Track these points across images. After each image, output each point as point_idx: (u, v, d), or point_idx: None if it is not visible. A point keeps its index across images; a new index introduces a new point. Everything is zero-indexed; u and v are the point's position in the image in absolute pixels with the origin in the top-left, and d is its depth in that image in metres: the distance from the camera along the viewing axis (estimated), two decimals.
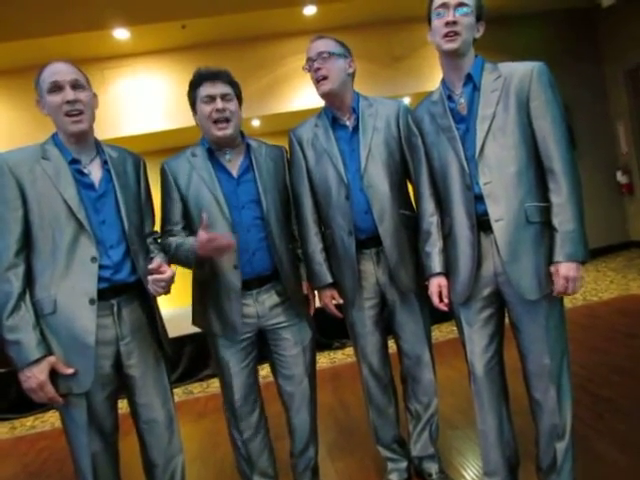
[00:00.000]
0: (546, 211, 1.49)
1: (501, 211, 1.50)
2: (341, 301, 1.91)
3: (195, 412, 3.39)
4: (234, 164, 1.81)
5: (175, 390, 3.96)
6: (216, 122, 1.74)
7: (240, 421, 1.85)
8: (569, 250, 1.45)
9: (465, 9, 1.50)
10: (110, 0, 3.93)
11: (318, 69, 1.80)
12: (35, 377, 1.40)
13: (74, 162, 1.54)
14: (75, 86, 1.51)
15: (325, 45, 1.82)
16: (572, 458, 1.61)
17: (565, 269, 1.45)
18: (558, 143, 1.48)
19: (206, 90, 1.75)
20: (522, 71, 1.51)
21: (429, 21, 1.59)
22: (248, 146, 1.84)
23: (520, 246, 1.50)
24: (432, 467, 1.98)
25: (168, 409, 1.64)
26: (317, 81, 1.83)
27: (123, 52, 4.97)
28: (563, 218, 1.45)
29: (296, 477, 1.99)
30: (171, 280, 1.51)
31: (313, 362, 1.93)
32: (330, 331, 4.31)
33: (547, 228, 1.50)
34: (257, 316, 1.80)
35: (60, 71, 1.51)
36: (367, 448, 2.31)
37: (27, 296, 1.44)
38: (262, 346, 1.92)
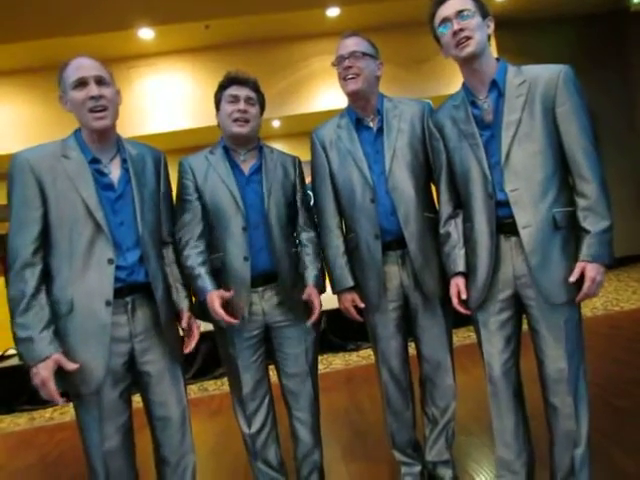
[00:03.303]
0: (572, 215, 1.49)
1: (528, 218, 1.49)
2: (362, 305, 1.88)
3: (210, 409, 3.42)
4: (246, 164, 1.86)
5: (190, 387, 4.01)
6: (236, 121, 1.80)
7: (248, 416, 1.88)
8: (597, 251, 1.45)
9: (466, 14, 1.49)
10: (135, 0, 3.99)
11: (349, 67, 1.78)
12: (39, 374, 1.39)
13: (94, 161, 1.53)
14: (99, 82, 1.49)
15: (358, 44, 1.80)
16: (589, 466, 1.59)
17: (593, 270, 1.45)
18: (586, 149, 1.47)
19: (232, 91, 1.82)
20: (548, 75, 1.49)
21: (437, 40, 1.59)
22: (261, 149, 1.90)
23: (548, 252, 1.49)
24: (446, 473, 1.96)
25: (182, 408, 1.64)
26: (345, 79, 1.80)
27: (148, 52, 5.05)
28: (592, 221, 1.45)
29: None
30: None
31: (315, 363, 1.94)
32: (345, 333, 4.30)
33: (573, 232, 1.49)
34: (263, 313, 1.83)
35: (84, 66, 1.49)
36: (381, 451, 2.30)
37: (42, 295, 1.44)
38: (268, 345, 1.94)
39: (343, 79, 1.81)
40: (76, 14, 3.99)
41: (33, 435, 3.49)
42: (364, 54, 1.79)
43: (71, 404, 1.56)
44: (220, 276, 1.79)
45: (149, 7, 4.16)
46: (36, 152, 1.49)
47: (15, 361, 4.18)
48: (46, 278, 1.46)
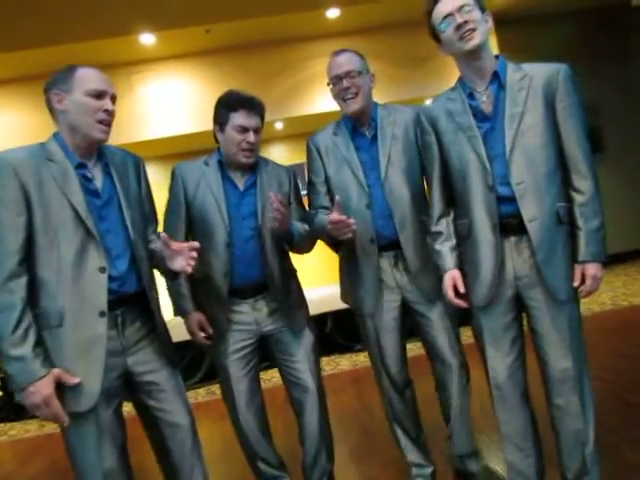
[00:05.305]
0: (571, 211, 1.51)
1: (534, 211, 1.49)
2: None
3: (218, 413, 3.39)
4: (242, 180, 1.90)
5: (198, 391, 4.02)
6: (243, 150, 1.83)
7: (244, 423, 1.90)
8: (595, 250, 1.48)
9: (467, 8, 1.49)
10: (136, 6, 4.00)
11: (347, 88, 1.81)
12: (40, 392, 1.30)
13: (80, 166, 1.46)
14: (113, 99, 1.49)
15: (351, 62, 1.83)
16: (598, 463, 1.59)
17: (593, 269, 1.48)
18: (583, 146, 1.50)
19: (242, 120, 1.81)
20: (548, 72, 1.51)
21: (436, 38, 1.58)
22: (256, 163, 1.91)
23: (553, 247, 1.50)
24: (474, 466, 1.98)
25: (190, 413, 1.61)
26: (344, 99, 1.84)
27: (149, 57, 5.06)
28: (589, 217, 1.48)
29: None
30: None
31: (318, 366, 1.96)
32: (351, 334, 4.29)
33: (571, 228, 1.52)
34: (256, 323, 1.87)
35: (105, 80, 1.48)
36: (390, 451, 2.29)
37: (29, 309, 1.34)
38: (268, 353, 1.96)
39: (342, 99, 1.85)
40: (77, 21, 4.01)
41: (43, 442, 3.51)
42: (359, 72, 1.82)
43: None
44: (200, 287, 1.84)
45: (150, 13, 4.16)
46: (18, 154, 1.40)
47: None
48: (31, 288, 1.36)
